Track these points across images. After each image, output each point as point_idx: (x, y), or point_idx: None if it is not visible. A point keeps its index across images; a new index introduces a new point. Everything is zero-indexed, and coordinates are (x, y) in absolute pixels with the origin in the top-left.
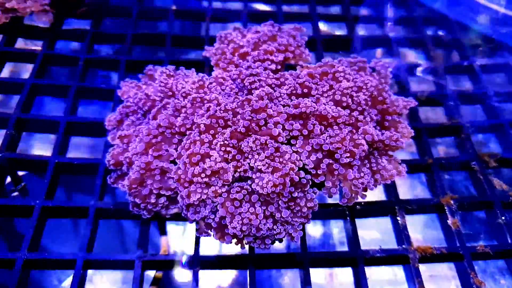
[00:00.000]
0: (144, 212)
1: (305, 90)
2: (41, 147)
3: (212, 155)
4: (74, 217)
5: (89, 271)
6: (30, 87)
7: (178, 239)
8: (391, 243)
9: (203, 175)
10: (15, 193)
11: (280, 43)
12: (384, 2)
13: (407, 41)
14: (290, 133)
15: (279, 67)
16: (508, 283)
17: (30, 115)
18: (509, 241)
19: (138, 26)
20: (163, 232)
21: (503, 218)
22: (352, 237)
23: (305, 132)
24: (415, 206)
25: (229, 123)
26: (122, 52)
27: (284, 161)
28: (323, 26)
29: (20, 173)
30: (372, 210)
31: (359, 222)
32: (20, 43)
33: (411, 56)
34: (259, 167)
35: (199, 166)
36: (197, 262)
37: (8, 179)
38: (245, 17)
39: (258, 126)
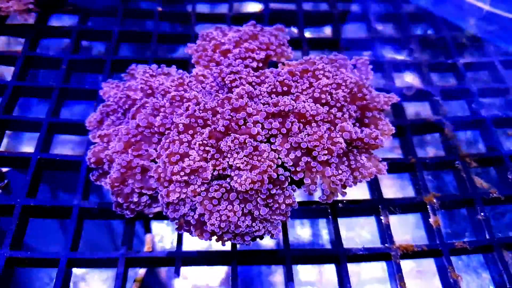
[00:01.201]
0: (127, 212)
1: (285, 88)
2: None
3: (191, 154)
4: (58, 217)
5: (82, 270)
6: (13, 89)
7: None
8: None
9: (182, 173)
10: None
11: (262, 42)
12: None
13: (393, 39)
14: (269, 131)
15: (260, 64)
16: (489, 276)
17: (14, 116)
18: (487, 236)
19: (124, 25)
20: (148, 230)
21: (482, 214)
22: (334, 235)
23: (284, 130)
24: (398, 205)
25: (209, 122)
26: (108, 51)
27: (263, 159)
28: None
29: (4, 169)
30: (356, 209)
31: (347, 222)
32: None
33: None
34: (237, 165)
35: (178, 165)
36: (180, 259)
37: None
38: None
39: (238, 125)
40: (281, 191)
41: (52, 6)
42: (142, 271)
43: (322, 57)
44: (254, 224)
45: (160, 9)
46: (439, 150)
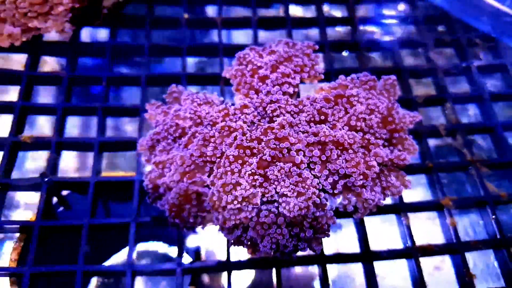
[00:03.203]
0: (184, 229)
1: (322, 117)
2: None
3: (242, 183)
4: (117, 231)
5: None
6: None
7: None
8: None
9: (235, 202)
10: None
11: (296, 64)
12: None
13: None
14: (310, 159)
15: (296, 90)
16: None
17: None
18: (498, 236)
19: (152, 36)
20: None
21: (493, 216)
22: (363, 236)
23: (324, 157)
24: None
25: (255, 151)
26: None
27: (307, 186)
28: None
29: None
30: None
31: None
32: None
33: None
34: (284, 192)
35: (232, 194)
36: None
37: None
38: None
39: (282, 153)
40: (324, 213)
41: (84, 22)
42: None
43: (353, 79)
44: (299, 243)
45: (186, 16)
46: (453, 156)
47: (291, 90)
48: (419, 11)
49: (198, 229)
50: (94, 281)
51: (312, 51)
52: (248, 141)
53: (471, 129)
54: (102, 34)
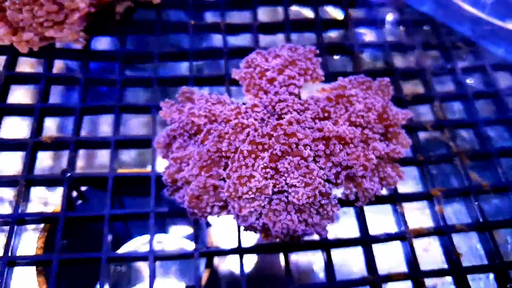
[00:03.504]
0: (202, 218)
1: (326, 114)
2: None
3: (255, 176)
4: (137, 220)
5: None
6: (80, 111)
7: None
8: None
9: (250, 192)
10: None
11: (300, 67)
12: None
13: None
14: (315, 152)
15: (300, 90)
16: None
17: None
18: (481, 220)
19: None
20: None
21: (476, 203)
22: (362, 224)
23: (328, 151)
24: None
25: (266, 146)
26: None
27: (313, 177)
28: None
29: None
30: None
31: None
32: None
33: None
34: (293, 183)
35: (247, 186)
36: (241, 250)
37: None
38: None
39: (291, 148)
40: (328, 201)
41: (98, 29)
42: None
43: (351, 80)
44: (307, 228)
45: (193, 22)
46: (439, 149)
47: (296, 91)
48: (407, 16)
49: (213, 218)
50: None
51: (313, 55)
52: (260, 137)
53: (457, 124)
54: (113, 39)
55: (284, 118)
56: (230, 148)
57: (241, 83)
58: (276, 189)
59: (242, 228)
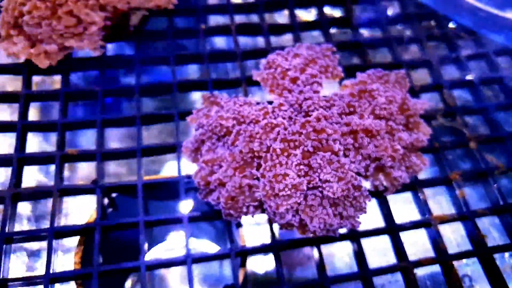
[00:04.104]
0: (238, 219)
1: (351, 109)
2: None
3: (290, 173)
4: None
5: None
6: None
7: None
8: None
9: (286, 189)
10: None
11: (321, 65)
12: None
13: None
14: (345, 146)
15: (322, 88)
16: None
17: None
18: (501, 202)
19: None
20: (239, 225)
21: (495, 185)
22: (387, 213)
23: (356, 145)
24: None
25: (297, 143)
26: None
27: (346, 171)
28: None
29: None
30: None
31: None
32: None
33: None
34: (327, 178)
35: (282, 183)
36: (276, 246)
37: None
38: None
39: (321, 144)
40: (360, 193)
41: (114, 39)
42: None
43: (369, 75)
44: (342, 221)
45: (203, 26)
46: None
47: (319, 88)
48: (409, 9)
49: (246, 218)
50: (129, 280)
51: (331, 52)
52: (290, 135)
53: (468, 110)
54: (128, 48)
55: (312, 115)
56: (261, 147)
57: (263, 84)
58: (310, 185)
59: (277, 225)
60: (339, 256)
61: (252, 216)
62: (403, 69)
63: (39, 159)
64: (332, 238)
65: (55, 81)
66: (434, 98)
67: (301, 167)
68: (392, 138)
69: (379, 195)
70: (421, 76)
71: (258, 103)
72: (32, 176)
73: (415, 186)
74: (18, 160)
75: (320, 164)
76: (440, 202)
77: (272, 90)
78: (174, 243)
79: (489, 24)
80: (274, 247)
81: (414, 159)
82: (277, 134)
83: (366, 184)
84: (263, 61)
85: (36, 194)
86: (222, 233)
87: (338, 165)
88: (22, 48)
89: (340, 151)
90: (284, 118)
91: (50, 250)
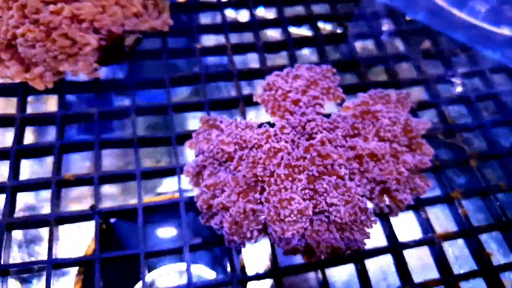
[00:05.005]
0: (242, 245)
1: (355, 131)
2: None
3: (295, 198)
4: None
5: None
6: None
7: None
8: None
9: (292, 215)
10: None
11: (322, 87)
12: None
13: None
14: (350, 170)
15: (325, 109)
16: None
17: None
18: (504, 219)
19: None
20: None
21: (497, 203)
22: (390, 232)
23: (362, 169)
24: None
25: (301, 168)
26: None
27: (352, 194)
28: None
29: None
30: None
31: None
32: None
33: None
34: (333, 202)
35: (288, 208)
36: (278, 272)
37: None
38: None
39: (326, 168)
40: (367, 216)
41: (107, 61)
42: None
43: (371, 95)
44: (349, 242)
45: (198, 46)
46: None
47: (322, 110)
48: (403, 26)
49: (249, 243)
50: None
51: (331, 74)
52: (294, 160)
53: (467, 128)
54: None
55: (315, 137)
56: (265, 172)
57: (264, 106)
58: (316, 210)
59: (277, 250)
60: (338, 275)
61: (255, 242)
62: (400, 86)
63: (33, 185)
64: (334, 261)
65: (49, 98)
66: (431, 114)
67: (307, 191)
68: (397, 161)
69: (383, 216)
70: (416, 92)
71: (260, 126)
72: (21, 199)
73: (417, 206)
74: (13, 188)
75: (326, 188)
76: (438, 218)
77: (273, 112)
78: (172, 267)
79: (485, 41)
80: (277, 273)
81: (418, 181)
82: (280, 159)
83: (370, 206)
84: (260, 83)
85: (32, 223)
86: (219, 258)
87: (345, 189)
88: (15, 72)
89: (346, 175)
90: (287, 142)
91: (48, 283)
